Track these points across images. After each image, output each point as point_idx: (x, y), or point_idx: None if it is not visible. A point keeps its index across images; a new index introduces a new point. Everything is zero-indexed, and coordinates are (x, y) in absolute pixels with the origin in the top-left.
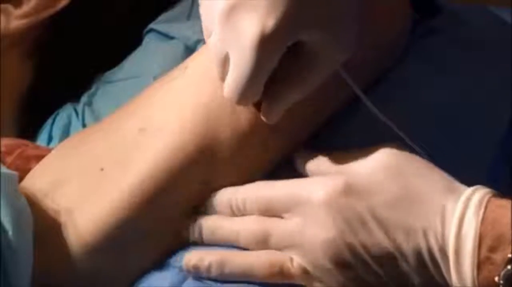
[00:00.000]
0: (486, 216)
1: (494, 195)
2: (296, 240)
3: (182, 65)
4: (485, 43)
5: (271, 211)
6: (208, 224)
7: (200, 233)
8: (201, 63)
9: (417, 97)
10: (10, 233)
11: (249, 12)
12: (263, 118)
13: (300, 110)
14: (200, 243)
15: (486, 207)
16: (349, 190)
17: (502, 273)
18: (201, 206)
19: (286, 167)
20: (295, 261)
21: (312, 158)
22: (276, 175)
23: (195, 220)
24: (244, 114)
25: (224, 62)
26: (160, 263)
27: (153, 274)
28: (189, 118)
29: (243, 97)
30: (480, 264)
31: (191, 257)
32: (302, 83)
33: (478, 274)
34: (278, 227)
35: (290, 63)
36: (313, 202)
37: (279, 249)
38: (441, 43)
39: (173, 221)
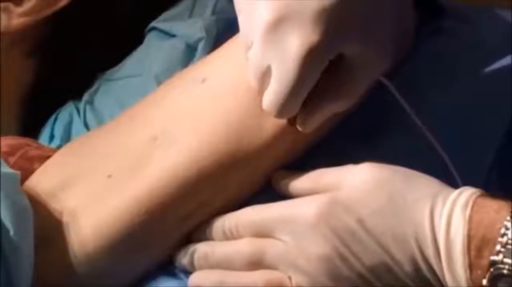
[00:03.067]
0: (472, 217)
1: (481, 195)
2: (291, 258)
3: (194, 72)
4: (491, 43)
5: (263, 233)
6: (201, 250)
7: (193, 259)
8: (223, 75)
9: (423, 98)
10: (11, 233)
11: (293, 26)
12: (298, 127)
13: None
14: (193, 269)
15: (472, 208)
16: (337, 205)
17: (487, 275)
18: (193, 234)
19: (266, 190)
20: (293, 279)
21: (293, 178)
22: (257, 199)
23: (188, 246)
24: (270, 132)
25: (265, 74)
26: (167, 270)
27: (159, 280)
28: (208, 133)
29: (283, 110)
30: (471, 265)
31: (194, 277)
32: (343, 95)
33: (470, 275)
34: (272, 247)
35: (329, 76)
36: (303, 221)
37: (274, 268)
38: (446, 43)
39: (173, 235)
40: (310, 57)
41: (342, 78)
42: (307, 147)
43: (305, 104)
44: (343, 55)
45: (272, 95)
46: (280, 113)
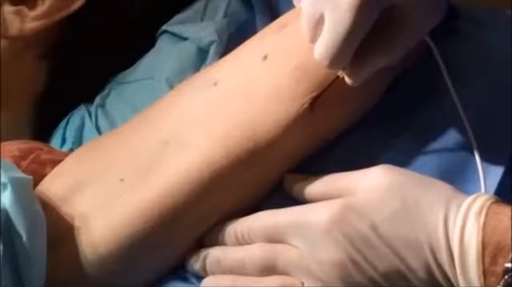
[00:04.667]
0: (486, 224)
1: (495, 202)
2: (303, 264)
3: (206, 76)
4: (502, 45)
5: (276, 238)
6: (213, 254)
7: (205, 263)
8: (235, 78)
9: (434, 100)
10: (24, 238)
11: None
12: (346, 80)
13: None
14: (205, 274)
15: (486, 214)
16: (350, 211)
17: (501, 282)
18: (205, 238)
19: (279, 194)
20: (306, 285)
21: (307, 183)
22: (270, 203)
23: (200, 251)
24: (281, 127)
25: (317, 23)
26: (178, 275)
27: (170, 285)
28: (220, 136)
29: (335, 60)
30: (485, 272)
31: (206, 282)
32: (393, 48)
33: (485, 282)
34: (285, 252)
35: (378, 28)
36: (316, 226)
37: (286, 274)
38: (458, 45)
39: (185, 237)
40: (363, 6)
41: (392, 30)
42: (319, 145)
43: (354, 55)
44: (394, 5)
45: (324, 45)
46: (332, 63)
